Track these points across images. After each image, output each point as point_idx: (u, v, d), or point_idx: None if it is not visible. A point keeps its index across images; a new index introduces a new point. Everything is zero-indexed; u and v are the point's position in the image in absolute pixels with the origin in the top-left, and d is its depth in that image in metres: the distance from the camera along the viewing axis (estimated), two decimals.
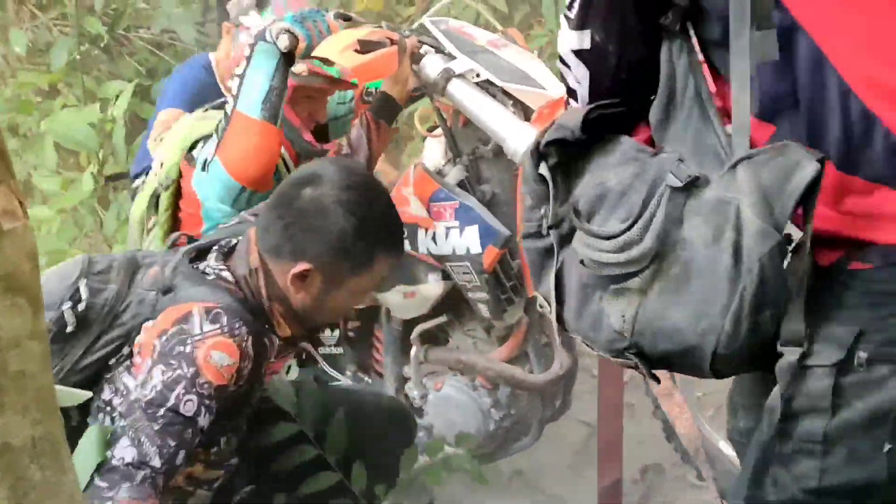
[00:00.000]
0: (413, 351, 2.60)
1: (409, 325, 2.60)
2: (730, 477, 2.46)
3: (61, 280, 1.72)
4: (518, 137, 2.14)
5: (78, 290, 1.69)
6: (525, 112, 2.28)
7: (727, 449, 2.50)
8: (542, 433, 2.67)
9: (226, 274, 1.75)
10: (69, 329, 1.67)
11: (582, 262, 1.36)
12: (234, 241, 1.82)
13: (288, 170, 2.42)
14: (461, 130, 2.43)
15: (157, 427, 1.54)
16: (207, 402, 1.59)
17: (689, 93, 1.32)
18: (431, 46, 2.36)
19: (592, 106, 1.38)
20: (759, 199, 1.20)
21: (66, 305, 1.67)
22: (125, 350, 1.68)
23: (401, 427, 2.24)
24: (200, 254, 1.80)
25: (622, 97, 1.39)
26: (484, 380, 2.59)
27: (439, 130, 2.46)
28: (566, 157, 1.40)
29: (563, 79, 1.42)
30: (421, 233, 2.41)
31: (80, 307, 1.68)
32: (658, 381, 1.55)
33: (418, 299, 2.50)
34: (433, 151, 2.50)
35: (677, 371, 1.49)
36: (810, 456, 1.29)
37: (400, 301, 2.52)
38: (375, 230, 1.74)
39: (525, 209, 1.49)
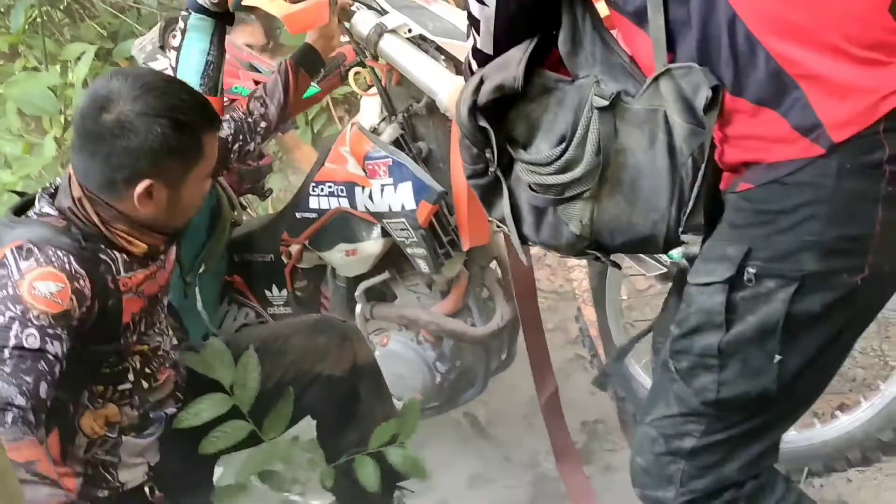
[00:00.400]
0: (358, 308, 2.65)
1: (354, 282, 2.65)
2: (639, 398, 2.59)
3: None
4: (447, 90, 2.17)
5: None
6: (456, 67, 2.30)
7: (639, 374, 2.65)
8: (494, 380, 2.74)
9: (48, 209, 1.73)
10: None
11: (530, 186, 1.52)
12: (53, 184, 1.81)
13: (228, 197, 2.55)
14: (395, 89, 2.45)
15: (7, 369, 1.51)
16: (51, 331, 1.56)
17: (587, 24, 1.45)
18: (363, 3, 2.37)
19: (525, 58, 1.48)
20: (684, 106, 1.33)
21: None
22: None
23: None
24: (26, 206, 1.79)
25: (527, 26, 1.49)
26: (428, 334, 2.65)
27: (374, 90, 2.49)
28: (499, 104, 1.53)
29: (466, 6, 1.50)
30: (358, 190, 2.44)
31: None
32: (619, 266, 1.84)
33: (360, 257, 2.54)
34: (369, 111, 2.52)
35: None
36: (708, 370, 1.38)
37: (342, 259, 2.57)
38: (187, 117, 1.73)
39: (467, 158, 1.63)
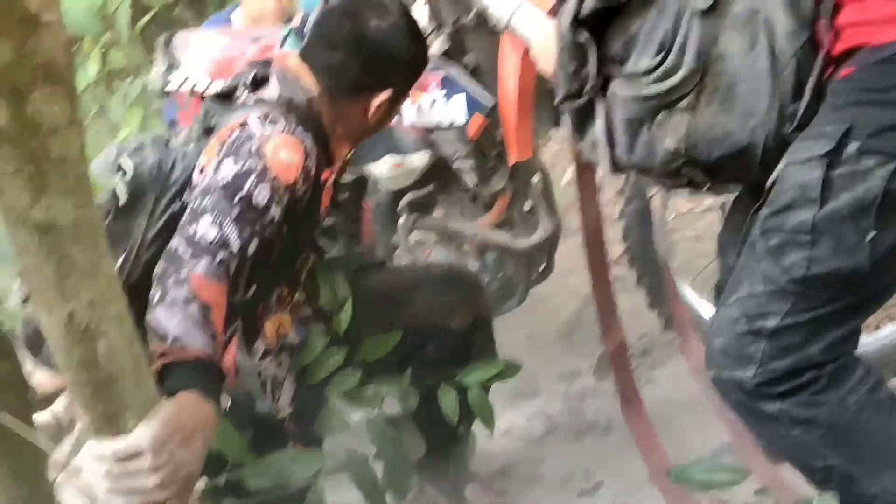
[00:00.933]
0: (401, 220, 2.67)
1: (397, 195, 2.67)
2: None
3: (102, 163, 1.77)
4: (501, 4, 2.16)
5: (120, 164, 1.74)
6: None
7: (710, 312, 2.62)
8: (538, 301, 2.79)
9: (266, 96, 1.78)
10: (122, 202, 1.72)
11: (626, 101, 1.50)
12: (254, 74, 1.84)
13: None
14: (443, 0, 2.47)
15: (235, 213, 1.54)
16: (277, 196, 1.61)
17: None
18: None
19: None
20: (787, 3, 1.35)
21: (116, 178, 1.71)
22: (185, 197, 1.71)
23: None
24: (223, 98, 1.85)
25: None
26: (471, 246, 2.69)
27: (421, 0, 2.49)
28: (598, 19, 1.51)
29: None
30: (407, 103, 2.43)
31: (128, 177, 1.72)
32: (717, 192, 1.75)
33: (406, 170, 2.57)
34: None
35: (726, 180, 1.62)
36: (799, 247, 1.37)
37: (388, 172, 2.58)
38: (424, 45, 1.92)
39: (563, 77, 1.59)
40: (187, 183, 1.73)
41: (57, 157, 0.94)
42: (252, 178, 1.58)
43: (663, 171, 1.53)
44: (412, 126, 2.49)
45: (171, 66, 2.52)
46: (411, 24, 1.87)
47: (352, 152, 2.02)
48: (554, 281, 2.92)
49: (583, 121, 1.61)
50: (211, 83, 2.20)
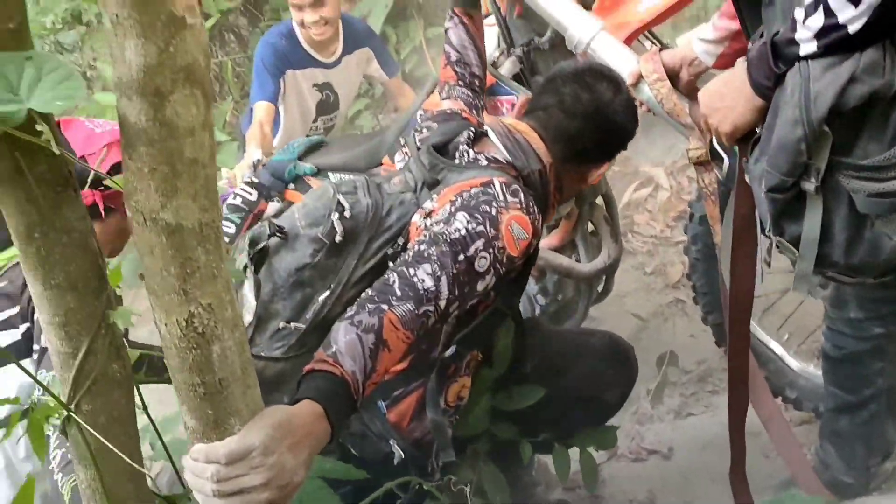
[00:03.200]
0: None
1: None
2: (782, 375, 2.57)
3: (319, 199, 1.79)
4: (581, 27, 2.18)
5: (339, 202, 1.74)
6: (584, 4, 2.31)
7: (777, 348, 2.60)
8: (595, 322, 2.78)
9: (498, 156, 1.79)
10: (338, 238, 1.72)
11: (858, 197, 1.40)
12: (470, 133, 1.85)
13: None
14: (516, 21, 2.47)
15: (454, 270, 1.53)
16: (497, 266, 1.60)
17: None
18: None
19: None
20: None
21: (335, 216, 1.72)
22: (400, 241, 1.72)
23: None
24: (439, 150, 1.85)
25: None
26: (533, 268, 2.68)
27: (491, 20, 2.49)
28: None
29: None
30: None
31: (347, 215, 1.73)
32: None
33: None
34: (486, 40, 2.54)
35: None
36: None
37: None
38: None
39: (784, 166, 1.45)
40: (402, 230, 1.74)
41: (190, 159, 0.95)
42: (480, 242, 1.57)
43: (883, 271, 1.46)
44: None
45: None
46: (632, 99, 1.95)
47: None
48: (611, 302, 2.91)
49: (787, 215, 1.50)
50: None
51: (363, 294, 1.45)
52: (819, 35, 1.35)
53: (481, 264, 1.57)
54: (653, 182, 3.90)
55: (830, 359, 1.98)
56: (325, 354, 1.28)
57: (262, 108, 3.38)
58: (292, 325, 1.70)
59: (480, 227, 1.59)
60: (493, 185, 1.67)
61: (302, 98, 3.61)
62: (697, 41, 2.02)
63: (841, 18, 1.32)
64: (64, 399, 1.10)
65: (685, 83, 2.07)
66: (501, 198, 1.65)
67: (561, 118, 1.85)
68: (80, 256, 1.04)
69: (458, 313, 1.61)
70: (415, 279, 1.49)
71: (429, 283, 1.49)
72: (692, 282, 2.63)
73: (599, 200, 2.69)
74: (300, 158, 2.71)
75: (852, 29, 1.31)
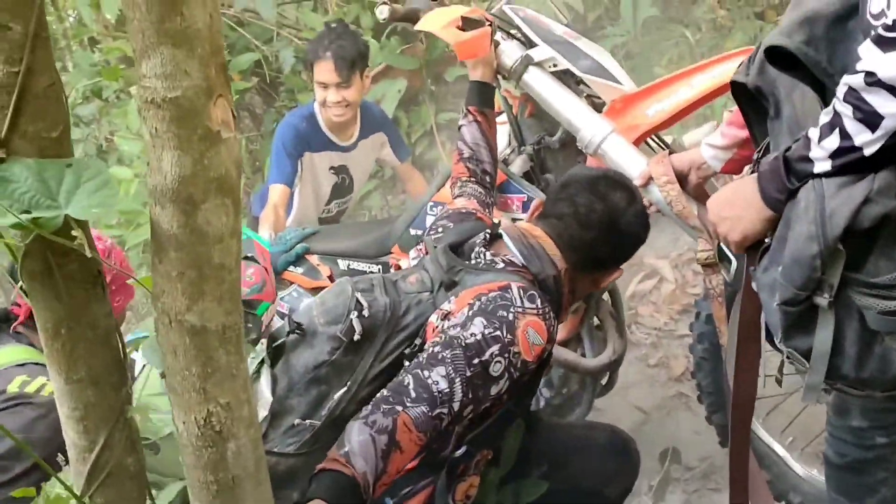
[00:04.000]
0: None
1: None
2: (786, 479, 2.55)
3: (337, 296, 1.80)
4: (592, 129, 2.23)
5: (358, 300, 1.77)
6: (594, 105, 2.37)
7: (781, 450, 2.58)
8: (599, 414, 2.77)
9: (513, 259, 1.82)
10: (356, 337, 1.73)
11: (869, 314, 1.41)
12: (486, 235, 1.88)
13: None
14: (526, 120, 2.53)
15: (468, 373, 1.55)
16: (511, 371, 1.62)
17: None
18: (509, 34, 2.43)
19: None
20: None
21: (353, 315, 1.73)
22: (417, 341, 1.74)
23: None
24: (455, 250, 1.88)
25: None
26: None
27: (502, 118, 2.54)
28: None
29: (858, 106, 1.32)
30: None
31: (365, 314, 1.75)
32: None
33: None
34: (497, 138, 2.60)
35: None
36: None
37: None
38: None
39: (798, 280, 1.46)
40: (419, 329, 1.76)
41: (217, 265, 0.99)
42: (496, 347, 1.60)
43: (892, 385, 1.47)
44: None
45: None
46: (645, 207, 1.96)
47: None
48: (614, 394, 2.91)
49: (797, 327, 1.50)
50: None
51: (378, 394, 1.47)
52: (834, 156, 1.38)
53: (496, 369, 1.59)
54: (657, 274, 3.93)
55: (833, 465, 1.97)
56: (338, 454, 1.30)
57: (277, 191, 3.43)
58: (307, 421, 1.71)
59: (497, 333, 1.61)
60: (511, 290, 1.70)
61: (317, 181, 3.67)
62: (706, 146, 2.07)
63: (857, 141, 1.34)
64: (78, 491, 1.12)
65: (693, 186, 2.12)
66: (519, 303, 1.67)
67: (575, 227, 1.88)
68: (103, 352, 1.07)
69: (471, 416, 1.63)
70: (429, 381, 1.50)
71: (443, 385, 1.51)
72: (697, 380, 2.63)
73: (605, 296, 2.72)
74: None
75: (868, 152, 1.34)
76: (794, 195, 1.46)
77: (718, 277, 2.03)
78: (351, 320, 1.72)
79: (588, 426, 2.36)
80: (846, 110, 1.32)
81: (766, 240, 1.58)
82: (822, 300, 1.44)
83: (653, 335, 3.61)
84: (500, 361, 1.59)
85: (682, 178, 2.10)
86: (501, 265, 1.80)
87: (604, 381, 2.80)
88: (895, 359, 1.43)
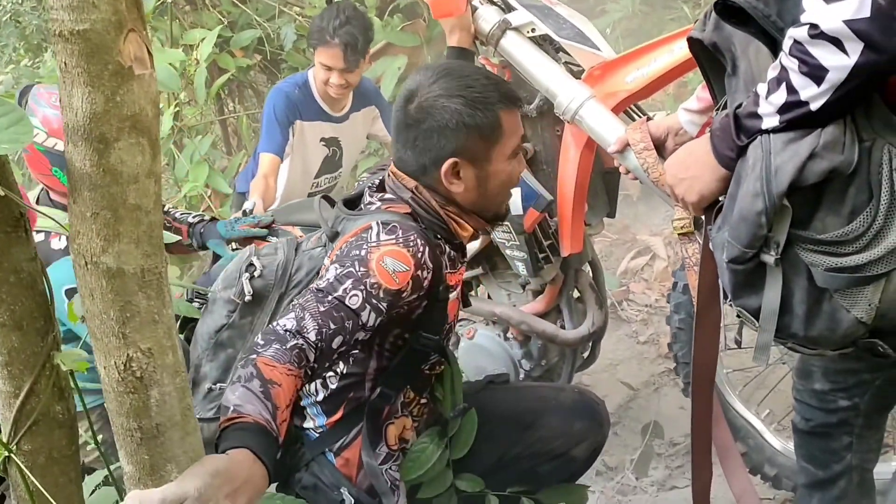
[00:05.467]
0: None
1: None
2: (762, 451, 2.53)
3: (237, 262, 1.90)
4: (570, 94, 2.20)
5: (252, 263, 1.86)
6: (572, 71, 2.32)
7: (757, 423, 2.55)
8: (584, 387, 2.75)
9: (389, 196, 1.81)
10: (247, 298, 1.83)
11: (816, 271, 1.39)
12: (374, 181, 1.88)
13: None
14: None
15: (321, 308, 1.56)
16: (374, 301, 1.62)
17: None
18: None
19: (856, 138, 1.35)
20: None
21: (245, 277, 1.83)
22: None
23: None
24: (349, 204, 1.88)
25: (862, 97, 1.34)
26: (516, 332, 2.69)
27: None
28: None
29: (804, 60, 1.30)
30: None
31: (256, 274, 1.84)
32: None
33: None
34: None
35: None
36: None
37: None
38: (481, 94, 1.75)
39: (745, 237, 1.44)
40: (309, 284, 1.81)
41: (132, 205, 0.97)
42: (349, 283, 1.61)
43: (841, 344, 1.45)
44: None
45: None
46: (450, 85, 1.76)
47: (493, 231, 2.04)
48: (601, 371, 2.90)
49: (746, 285, 1.49)
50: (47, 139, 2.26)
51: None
52: (781, 110, 1.36)
53: (353, 301, 1.59)
54: (650, 251, 3.91)
55: (799, 431, 1.95)
56: (228, 415, 1.29)
57: (267, 161, 3.41)
58: (218, 385, 1.81)
59: (349, 270, 1.62)
60: (371, 230, 1.70)
61: (307, 152, 3.65)
62: (682, 111, 2.04)
63: (803, 96, 1.33)
64: (5, 438, 1.11)
65: (670, 152, 2.08)
66: (374, 239, 1.67)
67: (395, 145, 1.83)
68: (27, 296, 1.06)
69: (351, 349, 1.64)
70: (276, 327, 1.52)
71: (290, 324, 1.52)
72: (673, 352, 2.60)
73: (586, 267, 2.70)
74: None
75: (814, 106, 1.32)
76: (745, 152, 1.43)
77: (694, 246, 2.00)
78: (242, 282, 1.82)
79: (555, 388, 2.36)
80: (792, 64, 1.30)
81: (720, 199, 1.56)
82: (769, 258, 1.42)
83: (643, 312, 3.60)
84: (356, 294, 1.60)
85: (659, 145, 2.07)
86: (377, 205, 1.80)
87: (585, 354, 2.79)
88: (844, 317, 1.40)
